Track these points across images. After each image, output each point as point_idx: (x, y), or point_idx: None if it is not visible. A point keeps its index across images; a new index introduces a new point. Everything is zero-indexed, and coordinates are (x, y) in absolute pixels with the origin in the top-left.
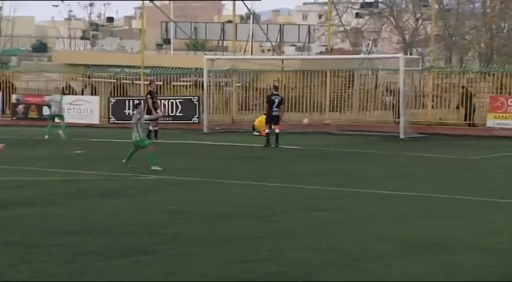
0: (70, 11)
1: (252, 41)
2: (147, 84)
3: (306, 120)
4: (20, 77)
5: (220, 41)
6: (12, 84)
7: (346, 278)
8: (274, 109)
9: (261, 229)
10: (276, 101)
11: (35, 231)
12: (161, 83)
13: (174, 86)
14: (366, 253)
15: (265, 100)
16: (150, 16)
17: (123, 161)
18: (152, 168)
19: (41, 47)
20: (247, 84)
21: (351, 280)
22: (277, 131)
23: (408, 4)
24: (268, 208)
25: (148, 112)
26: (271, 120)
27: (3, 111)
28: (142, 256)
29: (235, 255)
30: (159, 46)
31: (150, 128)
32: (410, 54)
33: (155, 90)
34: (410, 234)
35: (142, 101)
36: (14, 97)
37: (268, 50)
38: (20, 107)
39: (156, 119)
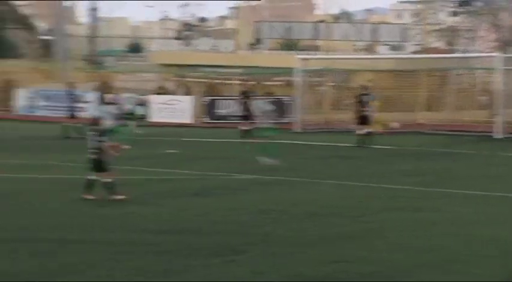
0: (164, 12)
1: (344, 41)
2: (240, 84)
3: (395, 124)
4: (116, 77)
5: (313, 41)
6: (109, 84)
7: (439, 279)
8: (365, 109)
9: (352, 229)
10: (367, 100)
11: (130, 230)
12: (254, 82)
13: (266, 85)
14: (459, 254)
15: (356, 100)
16: (243, 16)
17: (260, 158)
18: (263, 160)
19: (136, 48)
20: (340, 84)
21: (443, 281)
22: (366, 130)
23: (506, 2)
24: (359, 208)
25: (245, 111)
26: (362, 120)
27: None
28: (233, 255)
29: (327, 255)
30: (252, 46)
31: (244, 127)
32: (508, 52)
33: (250, 90)
34: (505, 235)
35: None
36: (109, 97)
37: (361, 50)
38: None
39: (270, 113)
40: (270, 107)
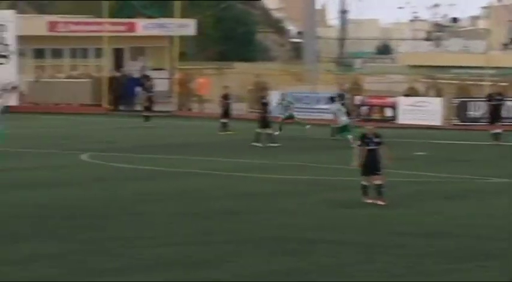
0: (414, 13)
1: None
2: (492, 86)
3: None
4: (364, 79)
5: None
6: (359, 86)
7: None
8: None
9: None
10: None
11: (377, 232)
12: (507, 84)
13: None
14: None
15: None
16: (496, 15)
17: None
18: None
19: (385, 49)
20: None
21: None
22: None
23: None
24: None
25: (492, 114)
26: None
27: (348, 113)
28: (485, 261)
29: None
30: (505, 46)
31: (494, 130)
32: None
33: (497, 92)
34: None
35: None
36: (358, 98)
37: None
38: (364, 109)
39: None
40: None
